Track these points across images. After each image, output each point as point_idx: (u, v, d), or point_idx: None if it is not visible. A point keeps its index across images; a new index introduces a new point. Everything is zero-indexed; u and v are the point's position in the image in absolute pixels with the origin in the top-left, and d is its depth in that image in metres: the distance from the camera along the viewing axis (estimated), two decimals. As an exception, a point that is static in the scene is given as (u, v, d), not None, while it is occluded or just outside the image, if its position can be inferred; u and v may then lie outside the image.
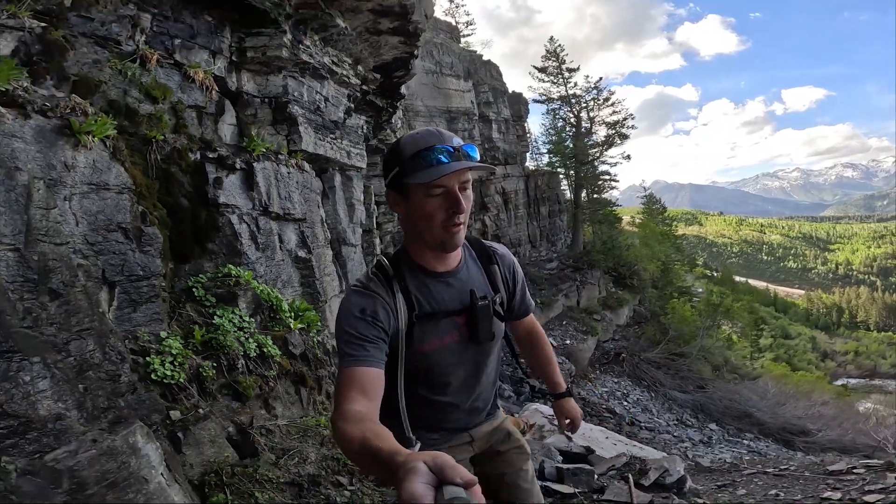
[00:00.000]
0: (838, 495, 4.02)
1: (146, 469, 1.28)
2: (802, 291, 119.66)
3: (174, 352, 2.11)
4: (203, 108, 4.17)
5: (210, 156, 3.55)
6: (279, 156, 4.57)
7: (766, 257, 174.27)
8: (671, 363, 19.76)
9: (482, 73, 23.80)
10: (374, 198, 18.58)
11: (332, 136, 6.17)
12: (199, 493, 1.71)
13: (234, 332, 2.56)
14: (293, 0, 5.27)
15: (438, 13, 27.26)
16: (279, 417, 2.54)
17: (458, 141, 1.16)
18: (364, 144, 8.47)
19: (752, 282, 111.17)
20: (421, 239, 1.23)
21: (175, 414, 1.91)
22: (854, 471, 4.71)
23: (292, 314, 3.27)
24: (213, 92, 4.34)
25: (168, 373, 2.01)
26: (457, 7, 29.25)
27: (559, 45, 26.66)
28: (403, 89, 9.76)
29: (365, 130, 9.03)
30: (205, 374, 2.26)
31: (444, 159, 1.12)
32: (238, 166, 3.71)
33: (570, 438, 4.56)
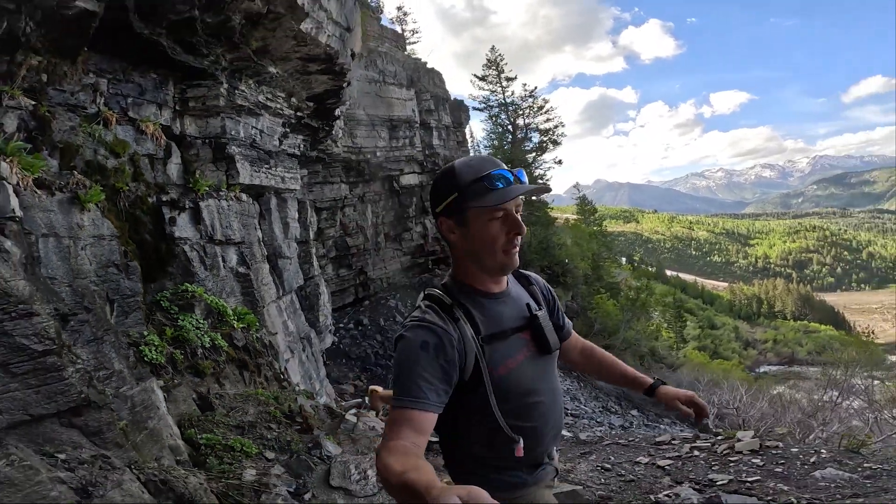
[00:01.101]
0: (646, 460, 5.30)
1: (158, 402, 2.40)
2: (726, 284, 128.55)
3: (156, 344, 3.18)
4: (154, 155, 5.12)
5: (164, 199, 4.58)
6: (220, 192, 5.60)
7: (694, 252, 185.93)
8: (598, 355, 21.49)
9: (425, 80, 24.12)
10: (316, 205, 19.28)
11: (266, 165, 7.21)
12: (178, 429, 2.81)
13: (194, 330, 3.66)
14: (228, 56, 6.24)
15: (386, 21, 27.93)
16: (228, 389, 3.65)
17: (507, 167, 1.24)
18: (298, 167, 9.43)
19: (682, 275, 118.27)
20: (480, 263, 1.26)
21: (160, 383, 2.98)
22: (672, 442, 6.20)
23: (235, 317, 4.37)
24: (162, 140, 5.32)
25: (154, 357, 3.08)
26: (405, 15, 30.12)
27: (499, 55, 28.23)
28: (338, 111, 10.69)
29: (302, 149, 9.94)
30: (176, 358, 3.35)
31: (504, 184, 1.17)
32: (187, 206, 4.76)
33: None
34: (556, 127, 29.07)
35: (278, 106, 7.85)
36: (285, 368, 5.79)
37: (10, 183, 2.16)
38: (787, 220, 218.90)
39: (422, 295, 1.31)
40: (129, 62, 5.12)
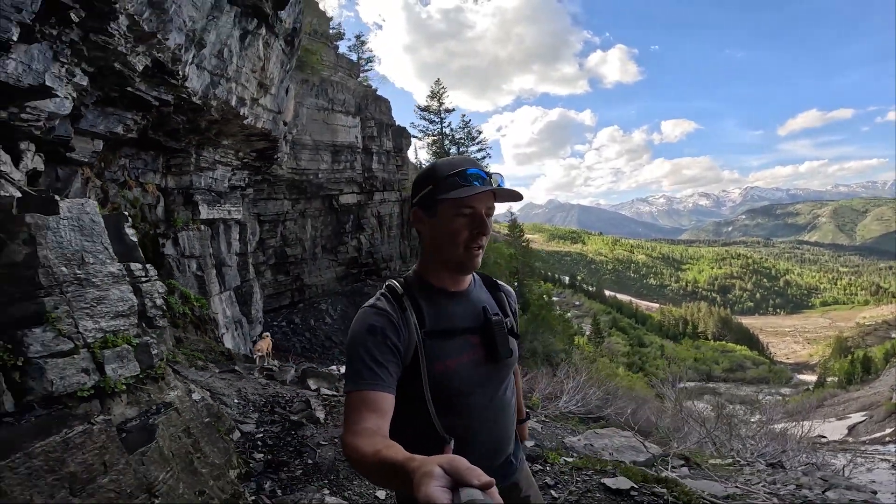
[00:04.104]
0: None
1: (168, 328, 6.08)
2: (658, 305, 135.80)
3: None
4: (151, 204, 8.65)
5: (158, 232, 8.17)
6: (188, 225, 9.17)
7: (633, 274, 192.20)
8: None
9: (372, 108, 25.48)
10: (259, 217, 22.53)
11: (218, 204, 10.80)
12: (170, 343, 6.47)
13: (174, 304, 7.26)
14: (196, 138, 9.86)
15: (343, 49, 29.73)
16: (190, 336, 7.29)
17: (489, 171, 1.26)
18: (241, 199, 12.95)
19: (619, 296, 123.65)
20: (440, 258, 1.29)
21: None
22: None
23: (195, 300, 8.00)
24: (155, 193, 8.87)
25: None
26: (362, 44, 32.80)
27: (442, 88, 31.71)
28: (277, 156, 14.17)
29: (248, 181, 13.42)
30: (166, 317, 6.97)
31: (477, 182, 1.20)
32: (170, 236, 8.36)
33: None
34: (483, 158, 33.18)
35: (229, 160, 11.42)
36: (222, 336, 9.39)
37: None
38: (717, 248, 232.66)
39: (385, 283, 1.34)
40: (139, 147, 8.69)
